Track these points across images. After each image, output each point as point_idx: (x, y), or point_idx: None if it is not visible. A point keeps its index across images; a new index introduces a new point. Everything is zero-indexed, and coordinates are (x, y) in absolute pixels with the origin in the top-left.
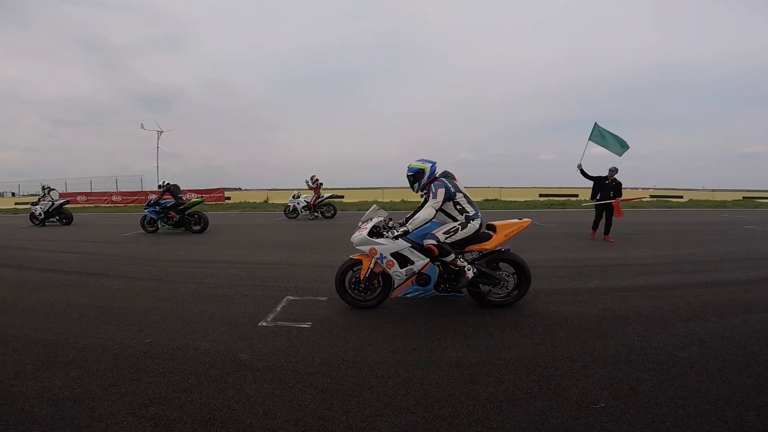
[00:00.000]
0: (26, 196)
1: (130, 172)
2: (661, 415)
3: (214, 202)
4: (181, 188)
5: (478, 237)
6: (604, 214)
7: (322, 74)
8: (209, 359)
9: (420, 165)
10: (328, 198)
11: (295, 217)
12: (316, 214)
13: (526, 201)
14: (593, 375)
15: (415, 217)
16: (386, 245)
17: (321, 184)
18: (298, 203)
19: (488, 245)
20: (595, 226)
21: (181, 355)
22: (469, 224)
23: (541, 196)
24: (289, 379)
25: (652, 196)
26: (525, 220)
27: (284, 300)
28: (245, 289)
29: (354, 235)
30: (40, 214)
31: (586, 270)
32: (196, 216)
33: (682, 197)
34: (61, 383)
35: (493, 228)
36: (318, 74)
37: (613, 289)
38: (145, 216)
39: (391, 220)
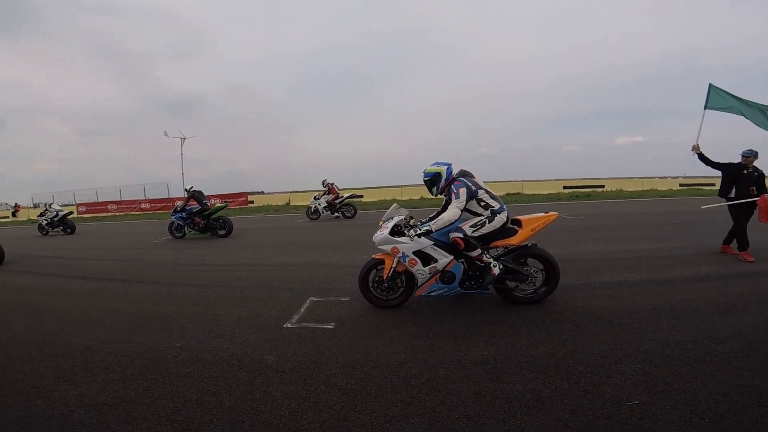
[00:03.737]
0: (62, 205)
1: (157, 179)
2: (699, 411)
3: (238, 207)
4: (206, 194)
5: (504, 232)
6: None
7: (338, 74)
8: (237, 362)
9: (436, 169)
10: (348, 198)
11: (316, 219)
12: (337, 214)
13: (549, 194)
14: (626, 372)
15: (439, 217)
16: (408, 244)
17: (332, 184)
18: (319, 204)
19: (514, 240)
20: (732, 238)
21: (210, 358)
22: (496, 217)
23: (565, 188)
24: (314, 380)
25: (681, 185)
26: (552, 213)
27: (308, 301)
28: (270, 291)
29: (375, 234)
30: (47, 224)
31: (614, 263)
32: (221, 221)
33: (714, 185)
34: (98, 388)
35: (518, 223)
36: (334, 74)
37: (644, 282)
38: (173, 222)
39: (412, 218)
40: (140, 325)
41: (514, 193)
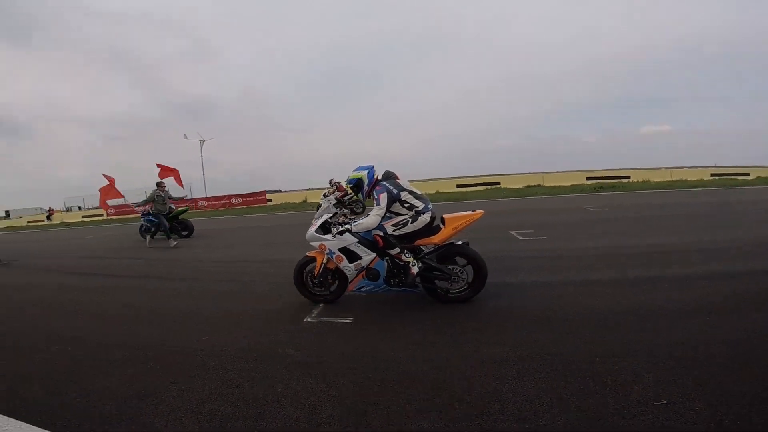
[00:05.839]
0: (91, 209)
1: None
2: (732, 412)
3: (257, 205)
4: (226, 194)
5: (430, 231)
6: None
7: (347, 72)
8: (259, 355)
9: (357, 174)
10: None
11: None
12: (346, 210)
13: (572, 185)
14: (655, 371)
15: (360, 222)
16: (333, 241)
17: (339, 182)
18: (329, 201)
19: (435, 239)
20: None
21: (235, 351)
22: (419, 218)
23: (588, 179)
24: (333, 374)
25: (713, 175)
26: (477, 211)
27: None
28: (291, 286)
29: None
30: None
31: (643, 257)
32: (183, 223)
33: (748, 174)
34: (126, 381)
35: (444, 221)
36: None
37: (675, 278)
38: (142, 225)
39: (344, 216)
40: (167, 320)
41: (534, 186)
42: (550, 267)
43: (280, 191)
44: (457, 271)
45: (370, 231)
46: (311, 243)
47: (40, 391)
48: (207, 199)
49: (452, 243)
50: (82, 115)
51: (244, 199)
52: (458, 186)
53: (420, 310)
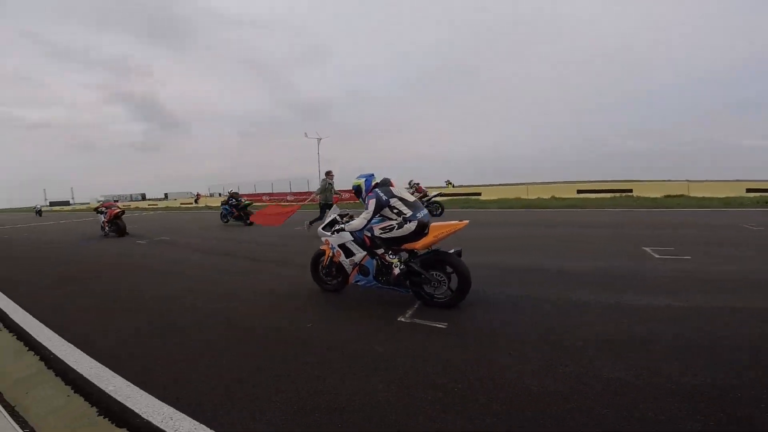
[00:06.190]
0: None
1: (299, 175)
2: None
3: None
4: (337, 189)
5: (417, 236)
6: None
7: (450, 69)
8: (352, 350)
9: (357, 182)
10: (434, 197)
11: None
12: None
13: (727, 197)
14: None
15: (350, 223)
16: (333, 237)
17: (418, 184)
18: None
19: (418, 245)
20: None
21: (332, 342)
22: (405, 225)
23: (749, 191)
24: (417, 376)
25: None
26: (463, 221)
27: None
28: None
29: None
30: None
31: None
32: (247, 213)
33: None
34: (237, 360)
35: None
36: (445, 70)
37: None
38: (222, 212)
39: (344, 217)
40: (280, 304)
41: (677, 196)
42: (693, 290)
43: None
44: (438, 276)
45: (362, 231)
46: (321, 238)
47: (167, 368)
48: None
49: (439, 250)
50: (223, 112)
51: (352, 194)
52: (579, 192)
53: (524, 321)
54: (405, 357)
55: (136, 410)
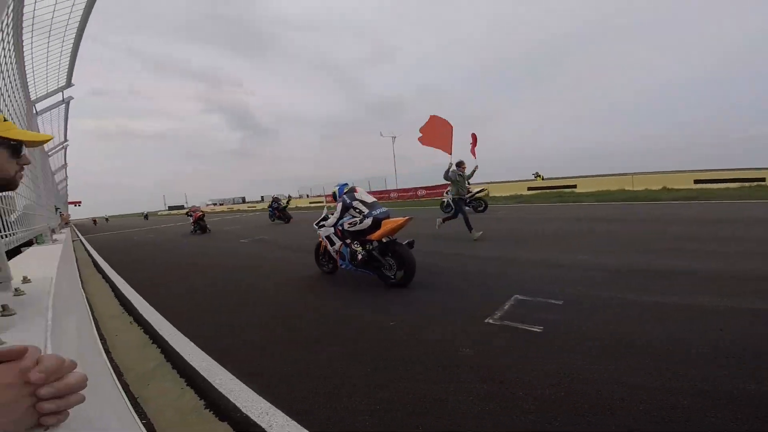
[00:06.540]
0: (315, 196)
1: (376, 174)
2: None
3: (440, 197)
4: (414, 186)
5: (373, 230)
6: None
7: (531, 58)
8: (434, 350)
9: (334, 189)
10: (477, 193)
11: (449, 212)
12: (468, 208)
13: None
14: None
15: (327, 220)
16: (320, 231)
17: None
18: (450, 199)
19: (374, 236)
20: None
21: (414, 342)
22: (364, 221)
23: None
24: (510, 383)
25: None
26: (405, 218)
27: (512, 299)
28: (469, 284)
29: None
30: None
31: None
32: (286, 214)
33: None
34: (309, 356)
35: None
36: (525, 59)
37: None
38: (269, 213)
39: (332, 214)
40: (357, 300)
41: None
42: None
43: None
44: (389, 261)
45: (335, 226)
46: (317, 232)
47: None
48: (397, 191)
49: (393, 241)
50: (304, 116)
51: (428, 191)
52: (696, 182)
53: (645, 324)
54: (495, 361)
55: (237, 404)
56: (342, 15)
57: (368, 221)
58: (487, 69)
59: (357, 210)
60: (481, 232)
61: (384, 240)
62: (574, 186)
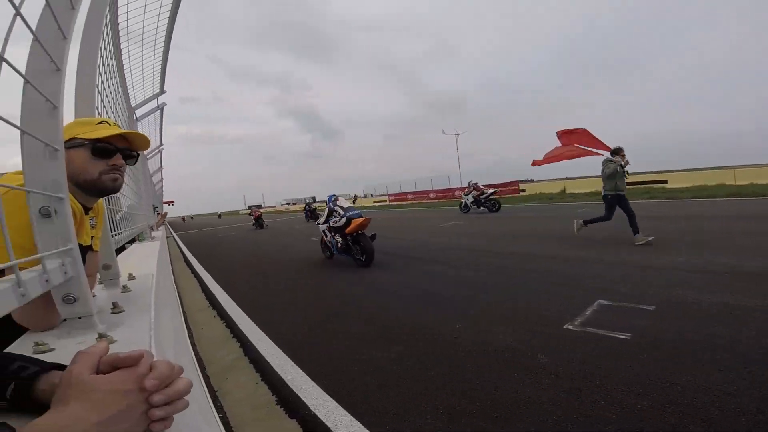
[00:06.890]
0: (378, 196)
1: (440, 172)
2: None
3: (509, 195)
4: (480, 183)
5: (346, 226)
6: None
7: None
8: (510, 356)
9: (326, 198)
10: (491, 194)
11: (467, 212)
12: (483, 207)
13: None
14: None
15: (320, 219)
16: (320, 227)
17: (476, 183)
18: (468, 200)
19: (347, 230)
20: None
21: (483, 347)
22: (340, 219)
23: None
24: (591, 394)
25: None
26: (366, 217)
27: (595, 303)
28: (548, 286)
29: None
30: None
31: None
32: (316, 215)
33: None
34: (384, 354)
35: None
36: (595, 49)
37: None
38: (305, 214)
39: (333, 212)
40: (431, 302)
41: None
42: None
43: (531, 181)
44: (357, 249)
45: (326, 223)
46: (319, 228)
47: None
48: (461, 189)
49: (361, 233)
50: (368, 117)
51: (499, 188)
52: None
53: (739, 333)
54: (575, 369)
55: (306, 401)
56: (404, 11)
57: (343, 220)
58: (556, 61)
59: (337, 212)
60: (652, 237)
61: (354, 234)
62: (665, 181)
